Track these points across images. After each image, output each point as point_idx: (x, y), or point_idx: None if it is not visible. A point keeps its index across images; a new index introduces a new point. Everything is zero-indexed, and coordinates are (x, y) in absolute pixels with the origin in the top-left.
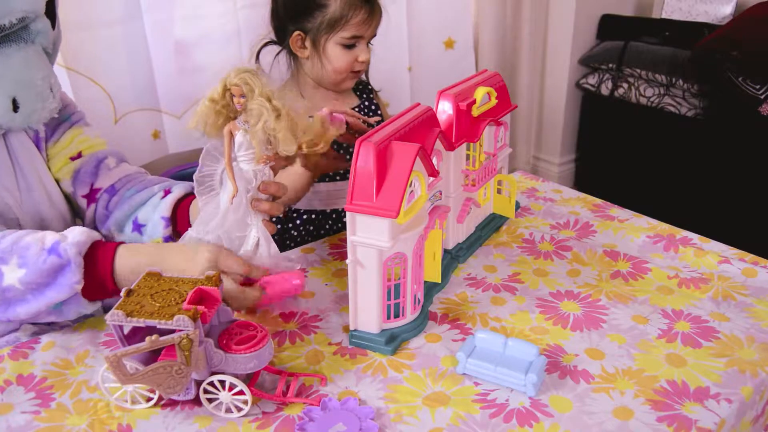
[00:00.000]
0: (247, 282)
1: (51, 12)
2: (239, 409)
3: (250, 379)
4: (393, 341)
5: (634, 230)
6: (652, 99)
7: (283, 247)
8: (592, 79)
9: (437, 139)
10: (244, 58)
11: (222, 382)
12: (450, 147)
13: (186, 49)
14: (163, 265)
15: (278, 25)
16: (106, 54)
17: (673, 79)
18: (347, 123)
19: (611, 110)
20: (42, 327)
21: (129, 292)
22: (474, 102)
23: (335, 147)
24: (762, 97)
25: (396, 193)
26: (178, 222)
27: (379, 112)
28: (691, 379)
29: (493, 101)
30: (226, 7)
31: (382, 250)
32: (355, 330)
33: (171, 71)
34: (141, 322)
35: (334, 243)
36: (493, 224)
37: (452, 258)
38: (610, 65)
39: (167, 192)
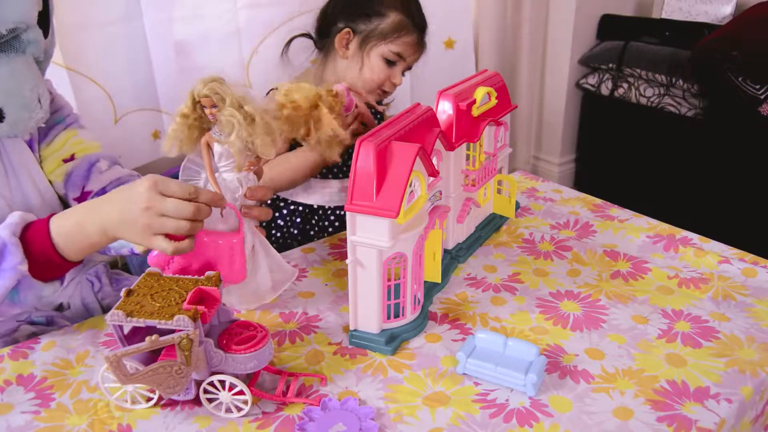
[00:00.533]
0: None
1: (43, 21)
2: (239, 409)
3: (250, 379)
4: (393, 341)
5: (634, 230)
6: (652, 99)
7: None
8: (592, 79)
9: (437, 139)
10: (244, 58)
11: (222, 382)
12: (450, 147)
13: (186, 49)
14: (101, 216)
15: (327, 20)
16: (106, 54)
17: (673, 79)
18: (356, 106)
19: (611, 110)
20: (42, 327)
21: (129, 292)
22: (474, 102)
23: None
24: (762, 97)
25: (396, 193)
26: None
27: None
28: (691, 379)
29: (493, 101)
30: (226, 7)
31: (382, 250)
32: (355, 330)
33: (171, 71)
34: (141, 322)
35: (334, 243)
36: (493, 224)
37: (452, 258)
38: (610, 65)
39: None
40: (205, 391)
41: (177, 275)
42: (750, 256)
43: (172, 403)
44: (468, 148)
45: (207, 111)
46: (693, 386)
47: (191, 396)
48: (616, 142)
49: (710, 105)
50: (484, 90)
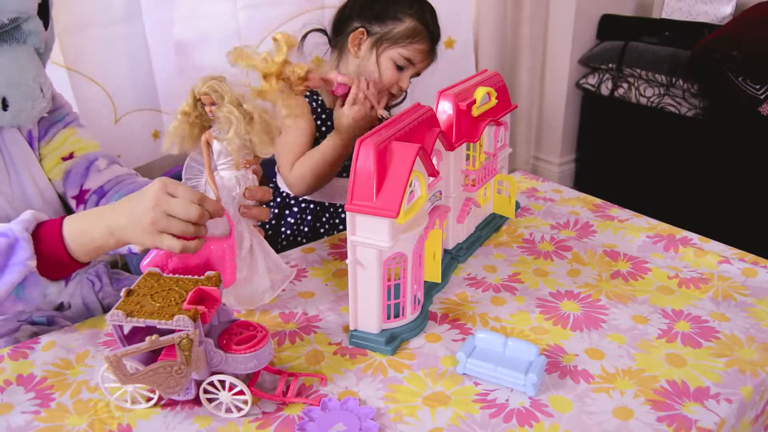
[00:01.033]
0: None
1: (44, 13)
2: (239, 409)
3: (250, 379)
4: (393, 341)
5: (634, 230)
6: (652, 99)
7: (278, 238)
8: (592, 79)
9: (437, 139)
10: None
11: (222, 382)
12: (450, 147)
13: (186, 49)
14: (110, 219)
15: (344, 18)
16: (106, 54)
17: (673, 79)
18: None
19: (611, 110)
20: (42, 327)
21: (129, 292)
22: (474, 102)
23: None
24: (762, 97)
25: (396, 193)
26: None
27: None
28: (691, 379)
29: (493, 101)
30: (226, 7)
31: (382, 250)
32: (355, 330)
33: (171, 71)
34: (141, 322)
35: (334, 243)
36: (493, 224)
37: (452, 258)
38: (610, 65)
39: None
40: (205, 391)
41: (177, 275)
42: (750, 256)
43: (172, 403)
44: (468, 148)
45: (207, 109)
46: (693, 386)
47: (191, 396)
48: (616, 142)
49: (710, 105)
50: (484, 90)
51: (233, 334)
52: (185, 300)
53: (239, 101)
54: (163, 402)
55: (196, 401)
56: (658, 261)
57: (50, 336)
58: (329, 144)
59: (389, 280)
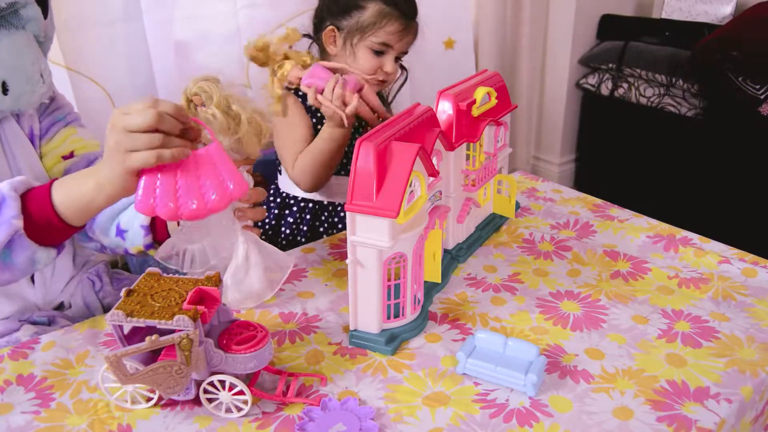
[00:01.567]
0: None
1: (43, 1)
2: (239, 409)
3: (250, 379)
4: (393, 341)
5: (634, 230)
6: (652, 99)
7: (278, 238)
8: (592, 79)
9: (437, 139)
10: (244, 58)
11: (222, 382)
12: (450, 147)
13: (186, 49)
14: (95, 170)
15: (318, 18)
16: (106, 54)
17: (673, 79)
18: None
19: (611, 110)
20: (43, 327)
21: (129, 292)
22: (474, 102)
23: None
24: (762, 97)
25: (396, 193)
26: (158, 231)
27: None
28: (691, 379)
29: (493, 101)
30: (226, 7)
31: (382, 250)
32: (355, 330)
33: (171, 71)
34: (141, 322)
35: (334, 243)
36: (493, 224)
37: (452, 258)
38: (610, 65)
39: None
40: (205, 391)
41: (177, 276)
42: (750, 256)
43: (172, 403)
44: (468, 148)
45: (199, 109)
46: (693, 386)
47: (191, 396)
48: (616, 142)
49: (710, 105)
50: (484, 90)
51: (233, 334)
52: (185, 300)
53: (228, 102)
54: (163, 402)
55: (196, 401)
56: (658, 261)
57: (50, 336)
58: (326, 135)
59: (389, 280)
